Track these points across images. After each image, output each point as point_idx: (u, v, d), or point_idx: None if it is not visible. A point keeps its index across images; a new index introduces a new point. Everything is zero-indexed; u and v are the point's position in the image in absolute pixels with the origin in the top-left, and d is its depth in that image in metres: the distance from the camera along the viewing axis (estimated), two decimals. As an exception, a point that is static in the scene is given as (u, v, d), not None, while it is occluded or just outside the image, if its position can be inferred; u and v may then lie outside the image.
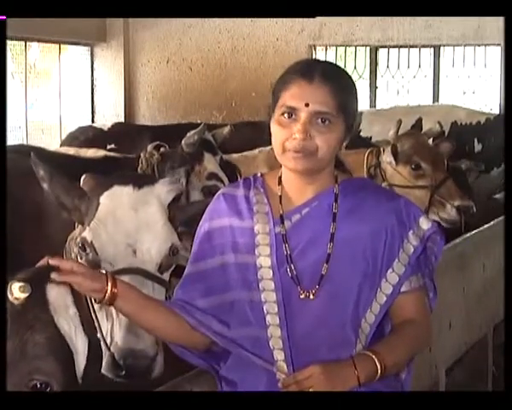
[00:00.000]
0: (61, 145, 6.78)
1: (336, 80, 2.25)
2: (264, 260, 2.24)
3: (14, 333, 1.81)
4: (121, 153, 4.46)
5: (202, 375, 2.35)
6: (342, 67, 2.56)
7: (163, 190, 2.88)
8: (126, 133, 6.48)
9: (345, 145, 2.30)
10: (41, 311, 1.86)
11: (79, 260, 2.72)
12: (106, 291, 2.09)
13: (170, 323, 2.26)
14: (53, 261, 1.97)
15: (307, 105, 2.18)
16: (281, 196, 2.31)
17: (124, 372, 2.56)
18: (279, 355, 2.20)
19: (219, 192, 2.40)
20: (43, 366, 1.80)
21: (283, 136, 2.20)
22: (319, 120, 2.19)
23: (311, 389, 2.10)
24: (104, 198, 2.81)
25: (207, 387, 2.30)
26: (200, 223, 2.38)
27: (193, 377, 2.35)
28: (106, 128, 6.69)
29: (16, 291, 1.82)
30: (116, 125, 7.00)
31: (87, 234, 2.76)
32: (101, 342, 2.63)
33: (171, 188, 2.92)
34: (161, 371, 2.61)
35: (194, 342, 2.28)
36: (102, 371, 2.61)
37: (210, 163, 4.16)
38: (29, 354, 1.80)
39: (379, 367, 2.15)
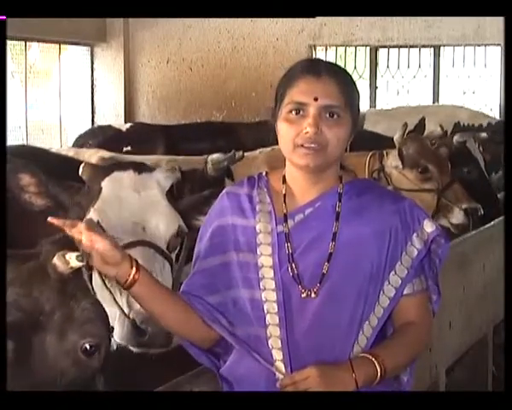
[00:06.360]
0: (75, 141, 6.69)
1: (341, 76, 2.28)
2: (266, 259, 2.23)
3: (60, 304, 1.84)
4: (138, 155, 4.44)
5: (202, 375, 2.34)
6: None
7: (161, 176, 3.00)
8: (144, 134, 6.39)
9: (349, 144, 2.30)
10: (79, 280, 1.90)
11: None
12: (129, 275, 2.10)
13: (182, 314, 2.24)
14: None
15: (316, 99, 2.18)
16: (285, 195, 2.30)
17: (147, 337, 2.56)
18: (277, 355, 2.19)
19: (223, 191, 2.40)
20: (93, 330, 1.86)
21: (293, 132, 2.20)
22: (328, 115, 2.19)
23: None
24: (106, 182, 2.90)
25: (207, 387, 2.30)
26: (205, 221, 2.39)
27: (193, 378, 2.34)
28: (124, 129, 6.63)
29: (74, 261, 1.84)
30: (135, 126, 6.95)
31: (92, 215, 2.80)
32: (119, 313, 2.62)
33: (168, 175, 3.04)
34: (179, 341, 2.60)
35: (203, 337, 2.27)
36: (122, 341, 2.61)
37: None
38: (78, 320, 1.84)
39: (379, 370, 2.14)
